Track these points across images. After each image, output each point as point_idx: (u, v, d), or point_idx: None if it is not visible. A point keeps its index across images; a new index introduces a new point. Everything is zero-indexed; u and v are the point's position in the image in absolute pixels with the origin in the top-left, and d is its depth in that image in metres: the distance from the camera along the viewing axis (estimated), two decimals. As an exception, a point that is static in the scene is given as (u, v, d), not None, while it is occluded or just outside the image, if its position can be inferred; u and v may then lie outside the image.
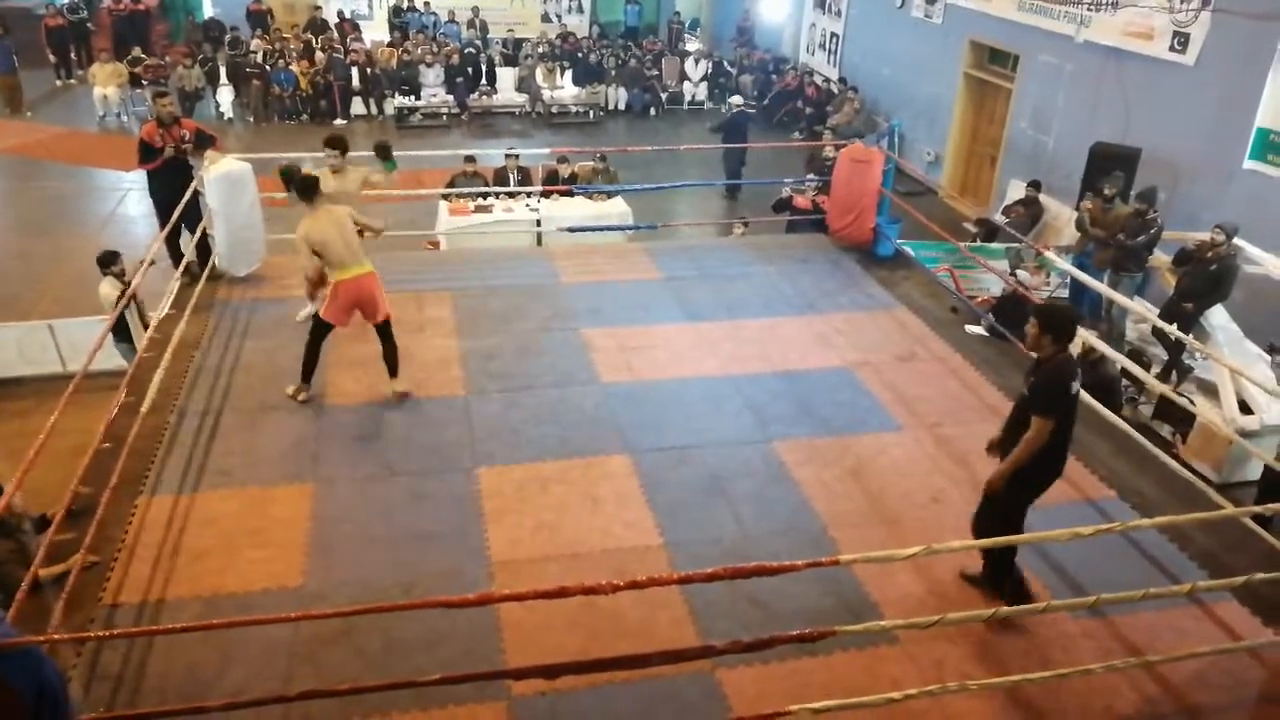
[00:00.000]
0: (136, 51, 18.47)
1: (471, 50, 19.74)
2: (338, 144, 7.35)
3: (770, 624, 4.76)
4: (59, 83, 19.44)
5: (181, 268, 8.00)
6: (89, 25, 19.99)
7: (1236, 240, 8.30)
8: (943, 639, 4.73)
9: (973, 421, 6.69)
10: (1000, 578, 4.87)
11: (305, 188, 6.27)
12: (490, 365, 7.17)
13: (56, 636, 4.12)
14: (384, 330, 6.59)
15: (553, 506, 5.66)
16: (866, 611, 4.91)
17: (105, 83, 17.31)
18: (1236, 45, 9.49)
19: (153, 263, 7.00)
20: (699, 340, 7.66)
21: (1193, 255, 8.52)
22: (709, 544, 5.39)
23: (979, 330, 8.23)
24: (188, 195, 8.02)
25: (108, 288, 8.05)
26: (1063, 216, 12.06)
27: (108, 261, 8.09)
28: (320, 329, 6.50)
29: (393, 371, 6.69)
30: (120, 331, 7.95)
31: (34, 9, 20.04)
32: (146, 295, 7.98)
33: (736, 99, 17.02)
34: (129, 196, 13.77)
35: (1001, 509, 4.67)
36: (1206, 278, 8.25)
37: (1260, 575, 4.54)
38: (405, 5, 21.69)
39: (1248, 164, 9.41)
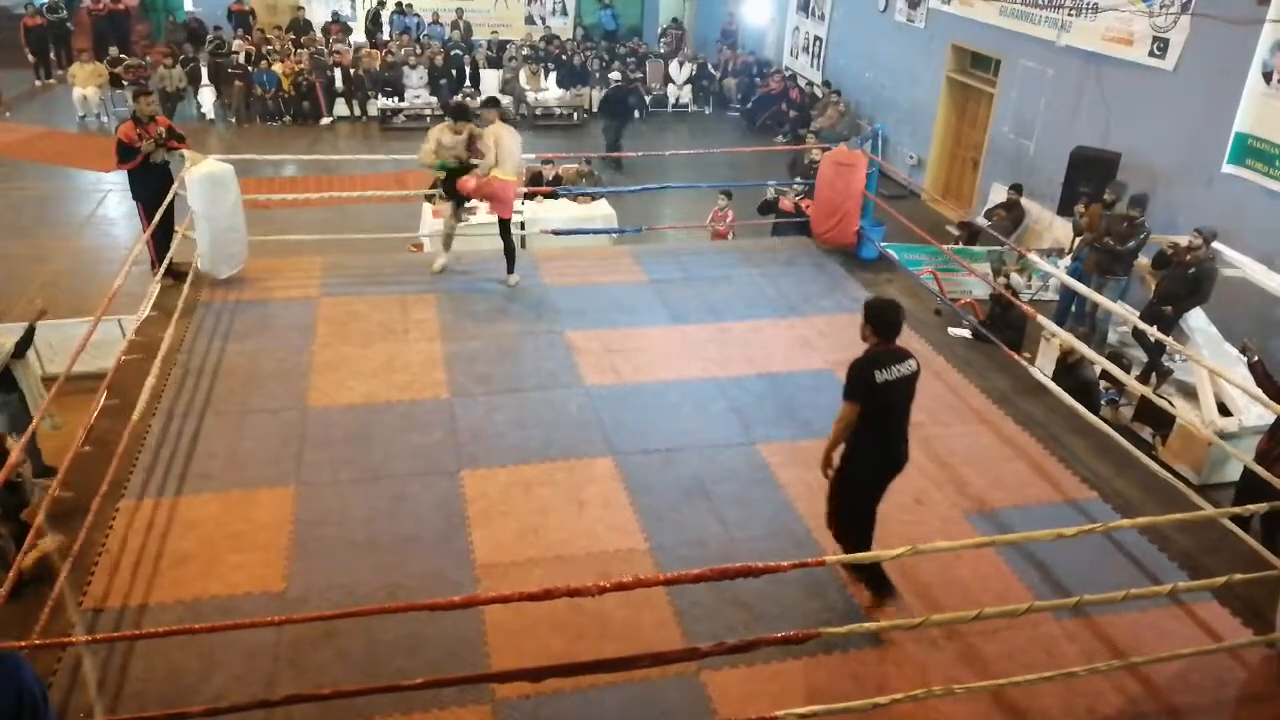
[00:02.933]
0: (115, 51, 18.34)
1: (456, 52, 19.70)
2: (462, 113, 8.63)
3: (755, 626, 4.77)
4: (38, 83, 19.29)
5: (163, 269, 7.94)
6: (68, 25, 19.84)
7: (1215, 244, 8.38)
8: (927, 642, 4.75)
9: (955, 423, 6.74)
10: (862, 569, 4.91)
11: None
12: (474, 368, 7.15)
13: (37, 642, 4.08)
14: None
15: (537, 509, 5.65)
16: (851, 614, 4.92)
17: (85, 83, 17.18)
18: (1215, 50, 9.57)
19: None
20: (683, 343, 7.67)
21: (1170, 258, 8.59)
22: (693, 546, 5.39)
23: (962, 333, 8.27)
24: (170, 196, 7.98)
25: None
26: (1044, 220, 12.15)
27: None
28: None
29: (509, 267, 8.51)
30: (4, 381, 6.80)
31: (12, 8, 19.88)
32: (128, 297, 7.89)
33: (615, 74, 18.42)
34: (109, 198, 13.66)
35: (835, 498, 4.84)
36: (1185, 281, 8.32)
37: (1239, 576, 4.59)
38: (391, 8, 21.61)
39: (1226, 168, 9.49)
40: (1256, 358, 6.72)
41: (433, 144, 8.25)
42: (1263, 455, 6.00)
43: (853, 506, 4.83)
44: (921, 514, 5.75)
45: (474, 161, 8.18)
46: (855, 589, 5.07)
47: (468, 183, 8.13)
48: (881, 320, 4.66)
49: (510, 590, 3.85)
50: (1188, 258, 8.35)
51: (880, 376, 4.55)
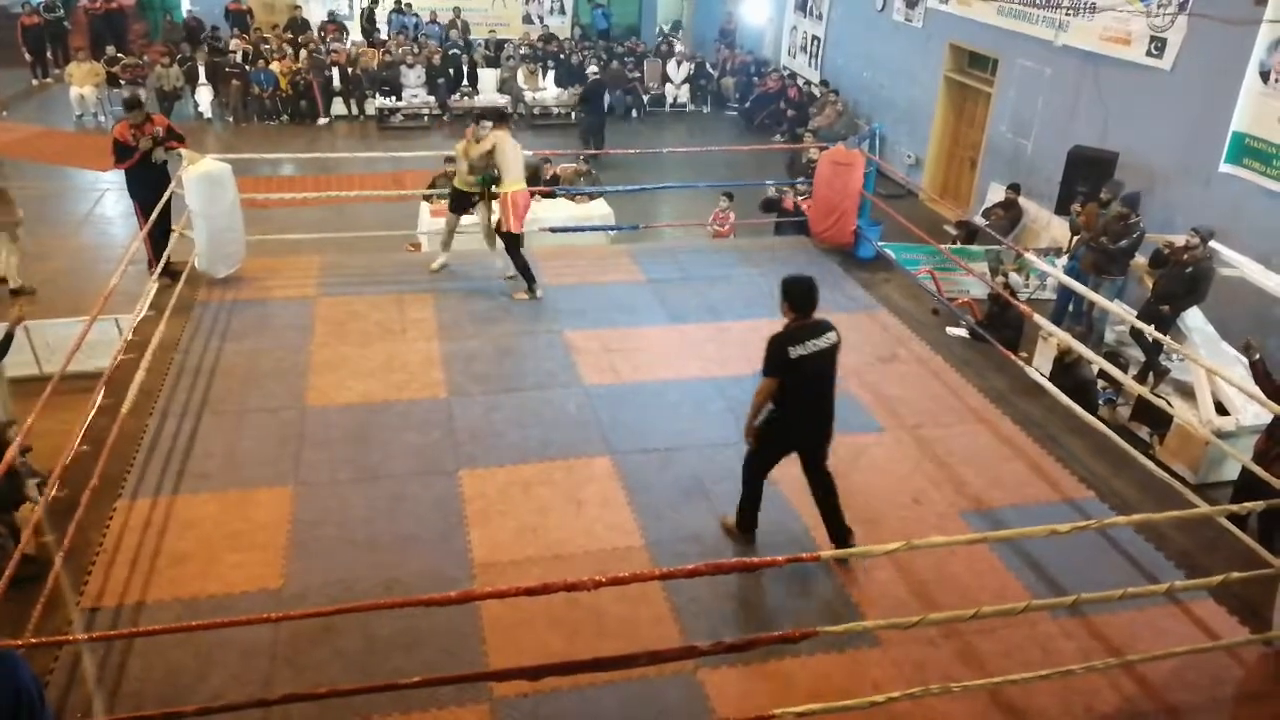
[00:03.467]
0: (113, 51, 18.32)
1: (454, 51, 19.70)
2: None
3: (753, 625, 4.78)
4: (35, 82, 19.26)
5: (160, 268, 7.92)
6: (65, 24, 19.82)
7: (1212, 243, 8.38)
8: (924, 640, 4.75)
9: (953, 423, 6.74)
10: (741, 512, 5.42)
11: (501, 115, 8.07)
12: (472, 367, 7.15)
13: (34, 640, 4.08)
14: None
15: (535, 509, 5.65)
16: (848, 613, 4.92)
17: (82, 82, 17.16)
18: (1212, 50, 9.58)
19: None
20: (681, 342, 7.67)
21: (1168, 258, 8.60)
22: (691, 545, 5.40)
23: (960, 332, 8.28)
24: (167, 195, 7.97)
25: None
26: (1041, 219, 12.16)
27: None
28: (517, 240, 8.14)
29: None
30: None
31: (9, 7, 19.86)
32: (125, 296, 7.88)
33: (593, 69, 18.81)
34: (106, 197, 13.65)
35: (747, 457, 5.27)
36: (1182, 280, 8.33)
37: (1236, 574, 4.60)
38: (388, 7, 21.59)
39: (1224, 168, 9.50)
40: (1258, 355, 6.71)
41: (465, 165, 8.22)
42: (1261, 455, 6.01)
43: (759, 457, 5.24)
44: (919, 513, 5.76)
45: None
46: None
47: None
48: (795, 296, 4.98)
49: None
50: (1185, 257, 8.35)
51: (795, 352, 4.85)
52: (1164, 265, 8.63)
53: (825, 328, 5.00)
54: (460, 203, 8.58)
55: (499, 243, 8.41)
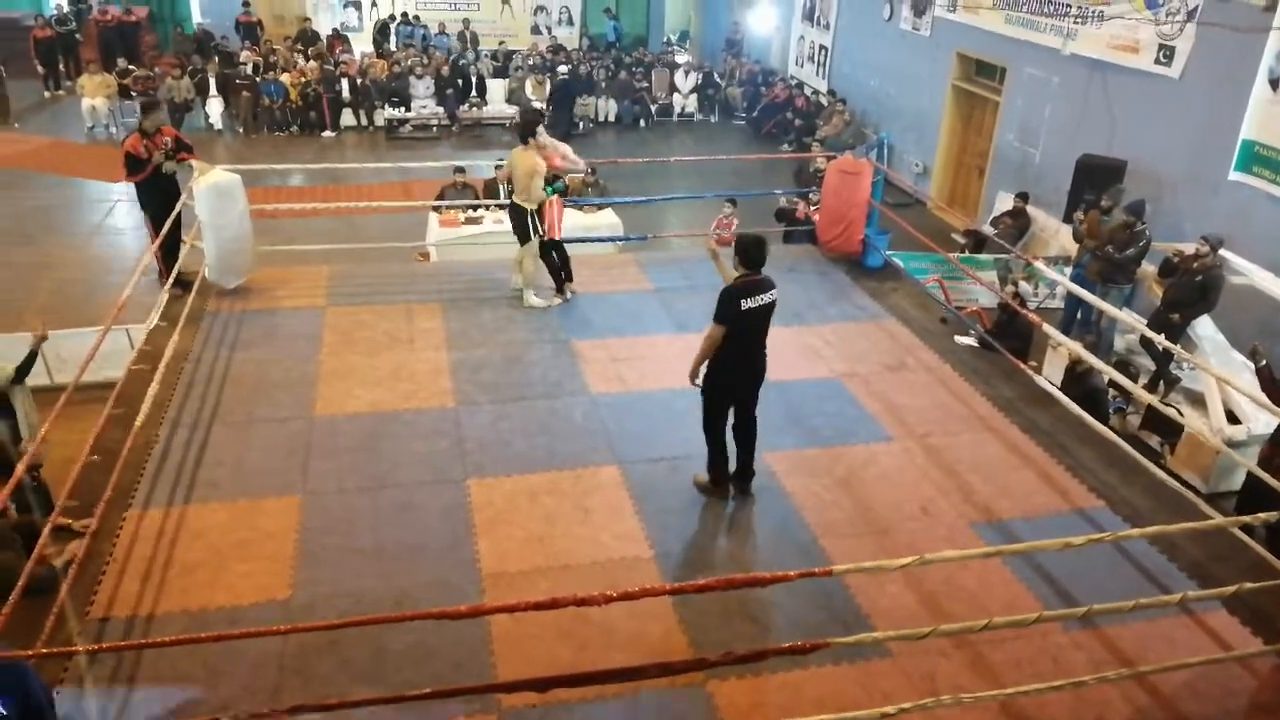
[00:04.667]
0: (124, 63, 18.44)
1: (462, 62, 19.78)
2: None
3: (761, 636, 4.77)
4: (47, 94, 19.40)
5: (171, 279, 7.95)
6: (77, 36, 19.96)
7: (1222, 251, 8.35)
8: (935, 651, 4.73)
9: (962, 432, 6.72)
10: (712, 468, 5.84)
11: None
12: (480, 376, 7.16)
13: (44, 650, 4.08)
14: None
15: (543, 518, 5.65)
16: (857, 623, 4.90)
17: (94, 94, 17.27)
18: (1221, 57, 9.56)
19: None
20: (688, 351, 7.57)
21: (1177, 266, 8.57)
22: (699, 555, 5.39)
23: (968, 341, 8.26)
24: (178, 206, 8.01)
25: None
26: (1050, 228, 12.13)
27: None
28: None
29: (569, 276, 8.50)
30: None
31: (21, 20, 20.02)
32: (136, 307, 7.91)
33: (563, 68, 19.38)
34: (117, 207, 13.72)
35: (704, 405, 5.69)
36: (1192, 289, 8.30)
37: (1249, 585, 4.56)
38: (397, 18, 21.71)
39: (1233, 175, 9.47)
40: (1264, 361, 6.68)
41: (540, 180, 7.84)
42: (1265, 462, 5.97)
43: (713, 411, 5.67)
44: (928, 523, 5.74)
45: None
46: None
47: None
48: (748, 254, 5.39)
49: (516, 600, 3.85)
50: (1195, 265, 8.32)
51: (746, 304, 5.31)
52: (1173, 274, 8.60)
53: (770, 285, 5.41)
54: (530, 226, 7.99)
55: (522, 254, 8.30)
